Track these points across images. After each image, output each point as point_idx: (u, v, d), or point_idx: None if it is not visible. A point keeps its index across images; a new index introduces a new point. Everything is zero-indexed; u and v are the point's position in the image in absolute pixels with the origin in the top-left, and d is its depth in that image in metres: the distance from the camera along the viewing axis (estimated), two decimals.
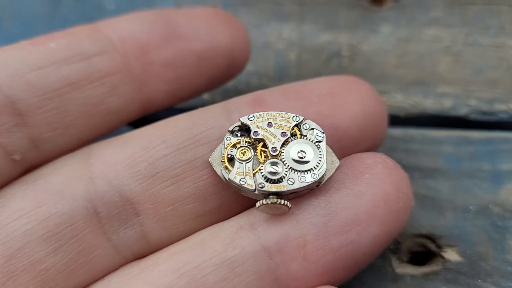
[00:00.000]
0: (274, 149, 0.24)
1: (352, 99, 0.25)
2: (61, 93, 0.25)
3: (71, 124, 0.25)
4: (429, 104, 0.31)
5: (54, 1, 0.35)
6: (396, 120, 0.30)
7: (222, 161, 0.24)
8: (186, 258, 0.23)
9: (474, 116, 0.30)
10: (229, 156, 0.24)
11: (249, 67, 0.32)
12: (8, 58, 0.25)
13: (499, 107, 0.30)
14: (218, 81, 0.28)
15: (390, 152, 0.29)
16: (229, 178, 0.23)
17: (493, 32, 0.32)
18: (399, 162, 0.25)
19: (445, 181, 0.29)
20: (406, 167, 0.25)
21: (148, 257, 0.24)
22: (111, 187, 0.24)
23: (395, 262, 0.27)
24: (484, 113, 0.30)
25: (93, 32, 0.26)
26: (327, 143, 0.24)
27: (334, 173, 0.24)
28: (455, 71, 0.32)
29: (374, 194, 0.23)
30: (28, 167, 0.25)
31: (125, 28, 0.27)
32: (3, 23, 0.34)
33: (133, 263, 0.24)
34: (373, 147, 0.26)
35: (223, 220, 0.24)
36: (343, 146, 0.25)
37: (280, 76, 0.32)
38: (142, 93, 0.26)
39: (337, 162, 0.24)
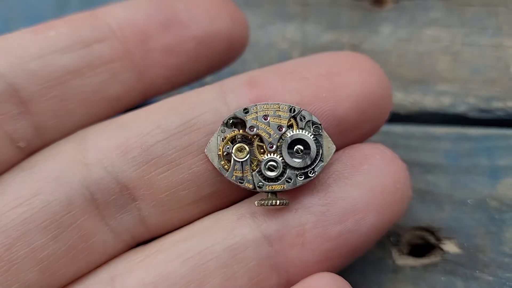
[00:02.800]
0: (271, 145, 0.24)
1: (352, 78, 0.25)
2: (63, 81, 0.25)
3: (73, 112, 0.25)
4: (429, 102, 0.31)
5: (60, 2, 0.35)
6: (396, 118, 0.31)
7: (218, 154, 0.24)
8: (188, 245, 0.24)
9: (472, 114, 0.31)
10: (225, 152, 0.24)
11: (254, 66, 0.32)
12: (10, 47, 0.25)
13: (497, 105, 0.31)
14: (216, 66, 0.28)
15: (391, 148, 0.29)
16: (227, 177, 0.24)
17: (490, 32, 0.33)
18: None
19: (444, 176, 0.29)
20: (406, 163, 0.26)
21: (151, 244, 0.24)
22: (107, 173, 0.24)
23: (395, 254, 0.28)
24: (482, 110, 0.31)
25: (92, 19, 0.26)
26: (324, 127, 0.24)
27: (330, 159, 0.24)
28: (454, 70, 0.32)
29: (372, 184, 0.24)
30: (32, 154, 0.25)
31: (124, 15, 0.26)
32: (11, 24, 0.35)
33: (137, 249, 0.25)
34: (375, 128, 0.26)
35: (219, 205, 0.25)
36: (343, 129, 0.25)
37: None
38: (142, 80, 0.26)
39: (333, 148, 0.24)
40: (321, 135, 0.24)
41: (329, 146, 0.24)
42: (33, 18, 0.35)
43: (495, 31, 0.33)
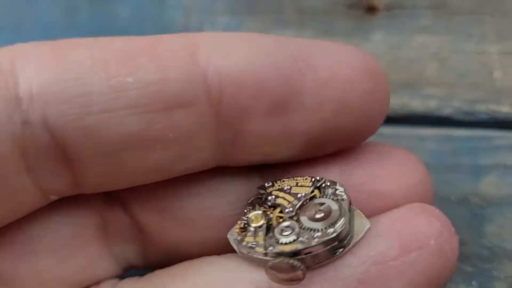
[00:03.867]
0: (290, 212, 0.21)
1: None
2: (122, 148, 0.19)
3: (123, 179, 0.20)
4: (416, 105, 0.32)
5: (71, 8, 0.36)
6: (386, 120, 0.31)
7: (236, 231, 0.21)
8: None
9: (457, 116, 0.32)
10: (243, 224, 0.21)
11: None
12: (74, 90, 0.18)
13: (480, 108, 0.32)
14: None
15: None
16: (239, 246, 0.21)
17: (475, 39, 0.34)
18: None
19: (429, 174, 0.31)
20: None
21: None
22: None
23: None
24: (466, 113, 0.32)
25: (189, 64, 0.19)
26: (355, 206, 0.21)
27: (363, 236, 0.20)
28: (440, 75, 0.33)
29: (414, 278, 0.20)
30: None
31: (232, 67, 0.18)
32: (23, 30, 0.36)
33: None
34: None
35: None
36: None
37: None
38: (221, 159, 0.21)
39: (367, 224, 0.21)
40: (346, 200, 0.21)
41: (362, 222, 0.21)
42: (45, 23, 0.36)
43: (480, 38, 0.34)
